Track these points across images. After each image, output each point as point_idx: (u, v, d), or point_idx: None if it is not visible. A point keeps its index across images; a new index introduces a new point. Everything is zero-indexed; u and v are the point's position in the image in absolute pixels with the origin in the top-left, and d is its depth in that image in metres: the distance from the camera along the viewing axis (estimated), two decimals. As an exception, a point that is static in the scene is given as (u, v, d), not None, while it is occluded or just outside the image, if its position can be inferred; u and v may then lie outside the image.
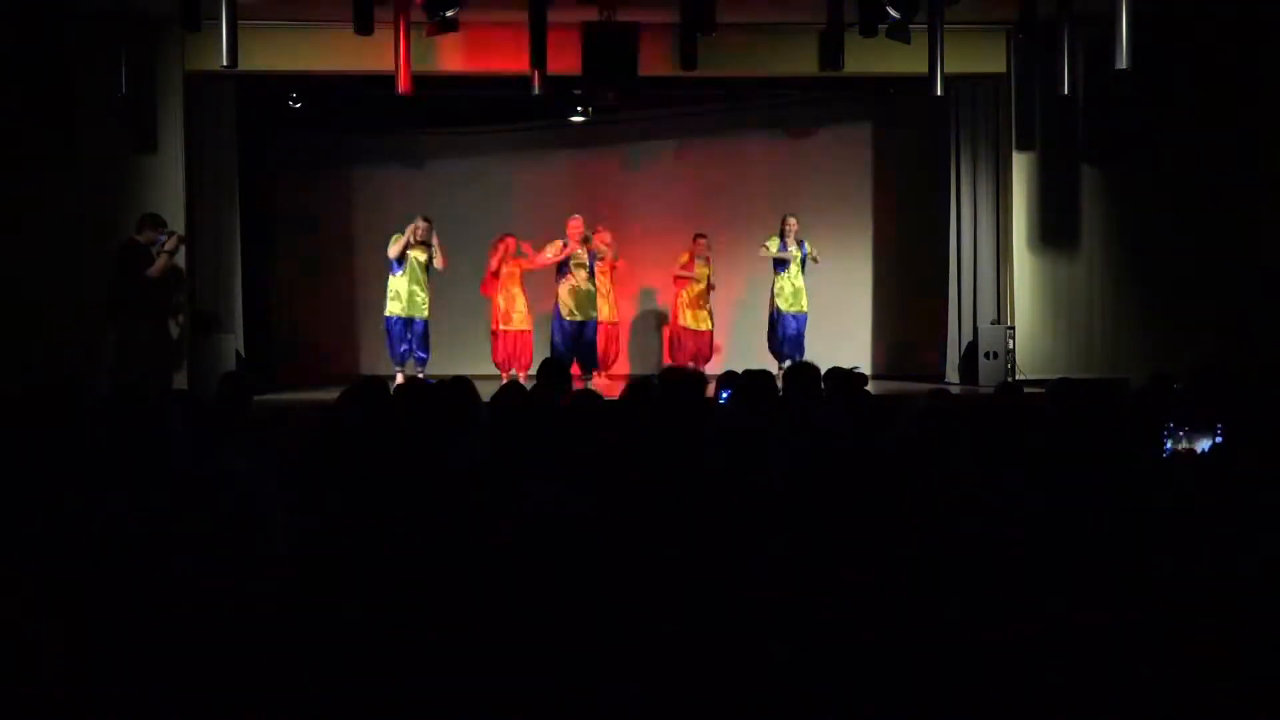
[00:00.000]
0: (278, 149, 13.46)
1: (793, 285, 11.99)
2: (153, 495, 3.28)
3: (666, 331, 12.79)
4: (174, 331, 10.75)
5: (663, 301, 13.46)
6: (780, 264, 12.02)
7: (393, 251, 11.33)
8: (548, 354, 11.59)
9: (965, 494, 3.71)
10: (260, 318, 12.52)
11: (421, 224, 11.41)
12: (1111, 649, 2.76)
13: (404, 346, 11.40)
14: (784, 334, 11.99)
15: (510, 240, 12.05)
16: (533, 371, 11.88)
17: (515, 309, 11.98)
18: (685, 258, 12.37)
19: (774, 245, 12.00)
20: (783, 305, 12.00)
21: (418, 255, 11.35)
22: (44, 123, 10.43)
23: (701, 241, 12.38)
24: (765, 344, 12.20)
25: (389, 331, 11.50)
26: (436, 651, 2.63)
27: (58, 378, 5.46)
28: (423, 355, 11.49)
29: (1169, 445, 4.31)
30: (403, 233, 11.40)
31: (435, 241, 11.34)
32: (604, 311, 12.15)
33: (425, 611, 2.73)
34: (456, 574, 2.85)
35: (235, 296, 11.42)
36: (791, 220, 12.04)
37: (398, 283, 11.38)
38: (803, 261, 11.99)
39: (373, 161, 13.92)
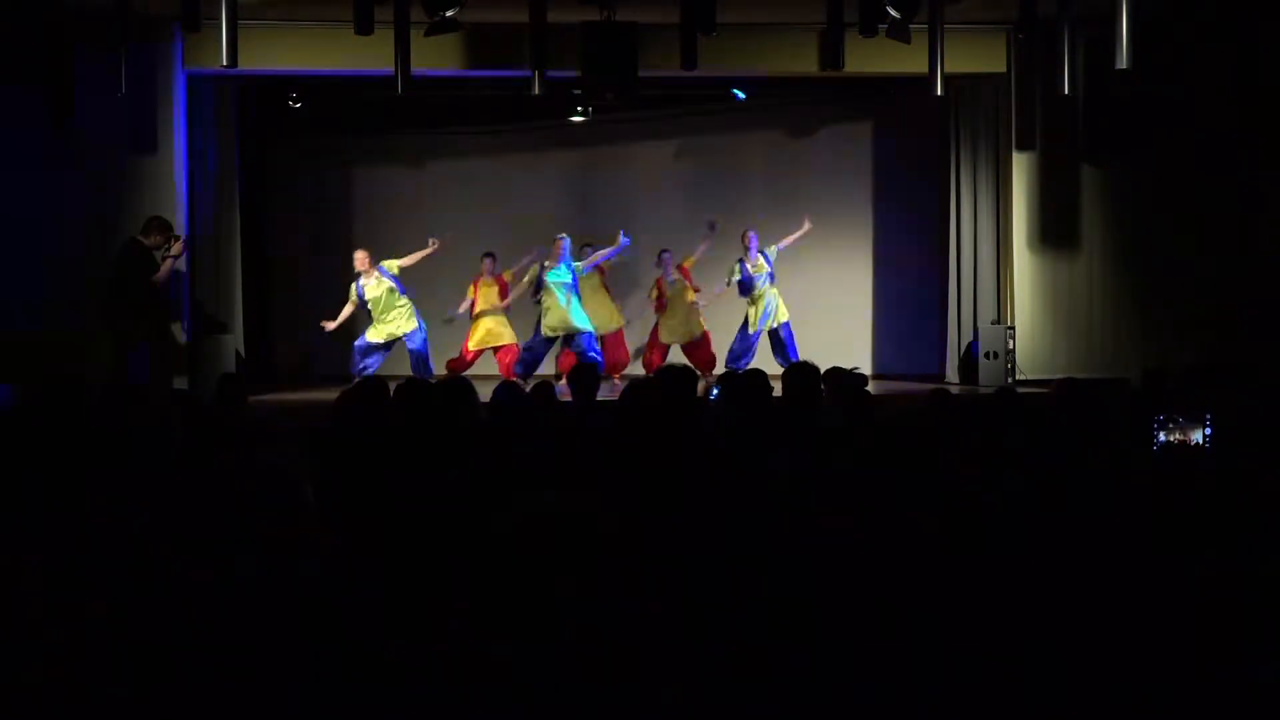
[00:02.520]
0: (278, 149, 13.47)
1: (763, 303, 11.76)
2: (152, 494, 3.28)
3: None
4: (174, 332, 10.76)
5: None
6: (745, 288, 11.80)
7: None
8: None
9: (964, 492, 3.71)
10: (260, 318, 12.51)
11: (359, 254, 11.30)
12: (1109, 644, 2.77)
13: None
14: (777, 350, 11.87)
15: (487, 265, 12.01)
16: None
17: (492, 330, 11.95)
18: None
19: (735, 273, 11.80)
20: (759, 326, 11.76)
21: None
22: (44, 123, 10.43)
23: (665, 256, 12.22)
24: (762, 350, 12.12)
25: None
26: (435, 650, 2.63)
27: (58, 378, 5.47)
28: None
29: (1161, 437, 4.31)
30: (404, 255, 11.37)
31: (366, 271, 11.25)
32: (604, 318, 12.06)
33: (423, 610, 2.73)
34: (455, 572, 2.85)
35: (235, 296, 11.42)
36: (749, 235, 11.88)
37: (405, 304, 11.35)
38: (771, 276, 11.80)
39: (373, 161, 13.93)
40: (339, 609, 2.72)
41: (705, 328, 12.17)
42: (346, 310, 11.26)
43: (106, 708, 2.52)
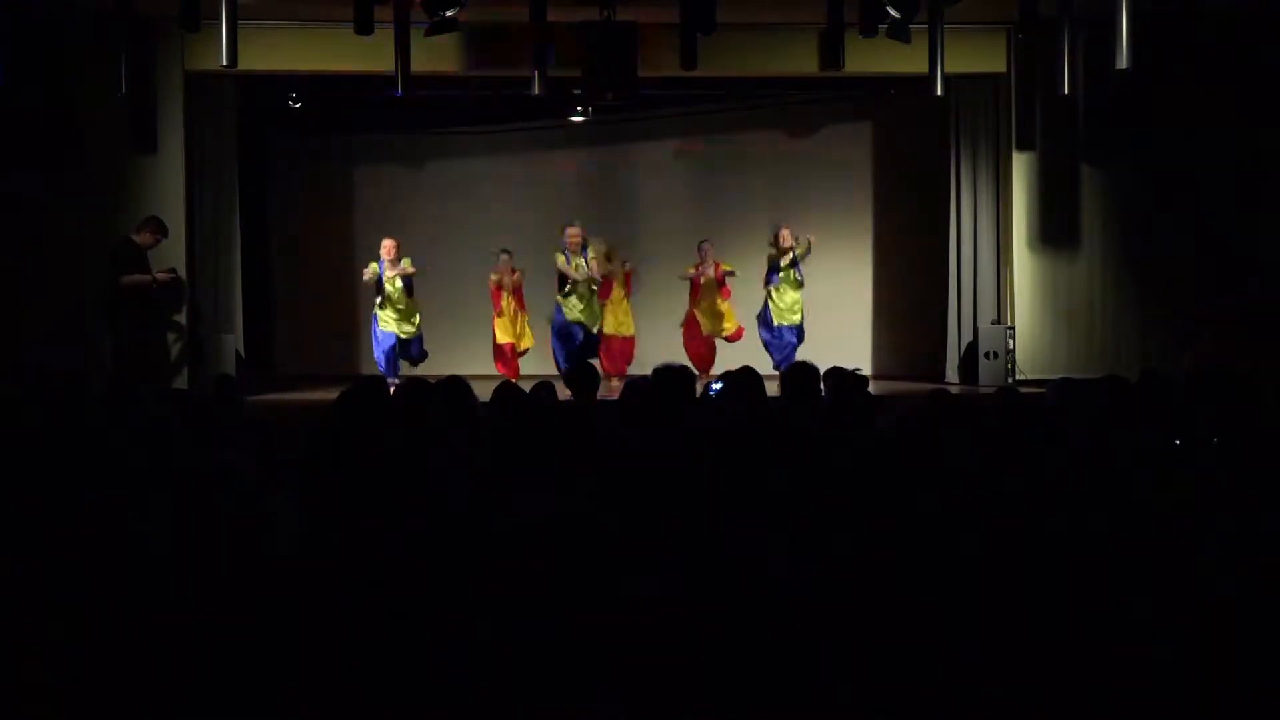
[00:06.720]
0: (278, 149, 13.47)
1: (788, 297, 11.90)
2: (152, 494, 3.29)
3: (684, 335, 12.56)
4: (174, 332, 10.76)
5: (662, 304, 13.45)
6: (772, 275, 11.96)
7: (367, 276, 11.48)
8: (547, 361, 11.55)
9: (963, 494, 3.71)
10: (260, 318, 12.52)
11: (388, 243, 11.44)
12: (1105, 648, 2.77)
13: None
14: (774, 347, 11.94)
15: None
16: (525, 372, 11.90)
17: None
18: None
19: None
20: (775, 318, 11.97)
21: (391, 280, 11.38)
22: (44, 123, 10.43)
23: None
24: (760, 345, 12.13)
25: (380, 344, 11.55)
26: (433, 649, 2.63)
27: (58, 378, 5.46)
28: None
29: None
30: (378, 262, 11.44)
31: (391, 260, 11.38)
32: (611, 323, 12.03)
33: (422, 610, 2.73)
34: (454, 572, 2.85)
35: (235, 296, 11.42)
36: (784, 231, 11.97)
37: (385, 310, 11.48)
38: (794, 264, 11.90)
39: (373, 161, 13.92)
40: (334, 606, 2.73)
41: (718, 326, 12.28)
42: (368, 275, 11.46)
43: (103, 706, 2.52)
